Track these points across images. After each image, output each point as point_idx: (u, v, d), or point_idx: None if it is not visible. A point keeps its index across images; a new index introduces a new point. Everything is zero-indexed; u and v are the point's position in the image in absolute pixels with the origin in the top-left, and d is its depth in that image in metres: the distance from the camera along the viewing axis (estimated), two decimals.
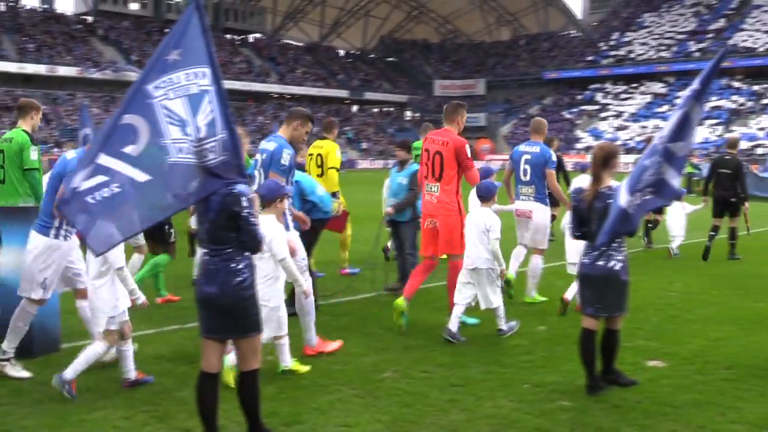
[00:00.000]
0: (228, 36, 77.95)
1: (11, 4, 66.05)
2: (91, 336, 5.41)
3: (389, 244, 10.32)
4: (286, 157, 6.20)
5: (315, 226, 7.13)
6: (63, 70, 60.06)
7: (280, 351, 5.63)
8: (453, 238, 7.15)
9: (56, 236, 5.60)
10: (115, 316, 5.19)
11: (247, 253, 4.10)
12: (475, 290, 6.86)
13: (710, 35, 67.85)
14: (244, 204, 3.97)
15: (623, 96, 69.68)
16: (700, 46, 66.33)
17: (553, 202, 9.23)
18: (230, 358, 5.17)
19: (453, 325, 6.74)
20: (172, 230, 8.06)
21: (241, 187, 3.99)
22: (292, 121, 6.51)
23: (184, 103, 3.87)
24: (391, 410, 4.95)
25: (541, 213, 8.38)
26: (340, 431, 4.65)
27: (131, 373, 5.33)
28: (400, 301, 7.04)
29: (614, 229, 4.94)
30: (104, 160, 3.74)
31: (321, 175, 8.92)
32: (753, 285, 9.59)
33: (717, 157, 12.76)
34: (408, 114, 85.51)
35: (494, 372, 5.78)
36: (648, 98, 67.40)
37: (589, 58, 74.74)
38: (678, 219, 12.22)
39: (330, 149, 9.12)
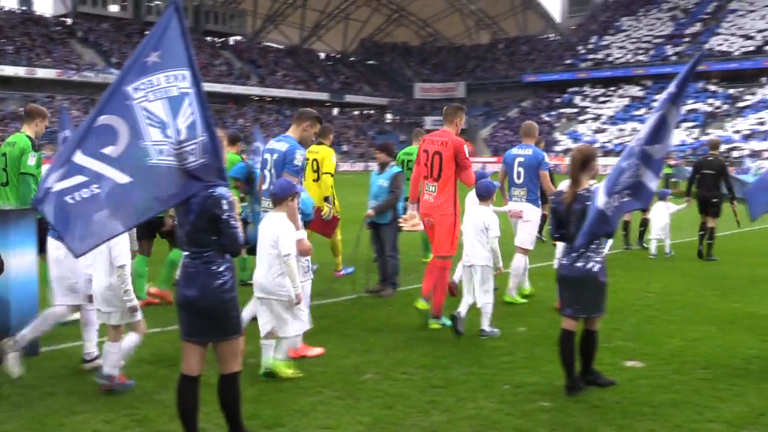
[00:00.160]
0: (208, 38, 77.55)
1: None
2: (109, 332, 5.36)
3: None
4: (299, 158, 6.24)
5: None
6: (42, 72, 59.44)
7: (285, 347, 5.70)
8: (444, 239, 7.23)
9: None
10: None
11: (227, 256, 4.10)
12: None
13: (687, 39, 68.59)
14: (225, 207, 3.97)
15: (601, 99, 70.24)
16: (677, 49, 66.98)
17: (545, 201, 9.30)
18: (268, 356, 5.59)
19: (484, 324, 6.95)
20: (175, 222, 8.01)
21: (221, 190, 3.99)
22: (302, 121, 6.53)
23: (164, 105, 3.85)
24: (372, 412, 4.96)
25: (531, 213, 8.51)
26: None
27: (112, 370, 5.23)
28: (421, 304, 7.24)
29: (592, 231, 4.98)
30: (81, 159, 3.71)
31: (317, 180, 9.07)
32: (730, 286, 9.72)
33: (700, 158, 12.92)
34: (388, 117, 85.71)
35: (475, 373, 5.81)
36: (626, 101, 68.02)
37: (568, 61, 75.25)
38: (661, 219, 12.31)
39: (326, 155, 9.26)
